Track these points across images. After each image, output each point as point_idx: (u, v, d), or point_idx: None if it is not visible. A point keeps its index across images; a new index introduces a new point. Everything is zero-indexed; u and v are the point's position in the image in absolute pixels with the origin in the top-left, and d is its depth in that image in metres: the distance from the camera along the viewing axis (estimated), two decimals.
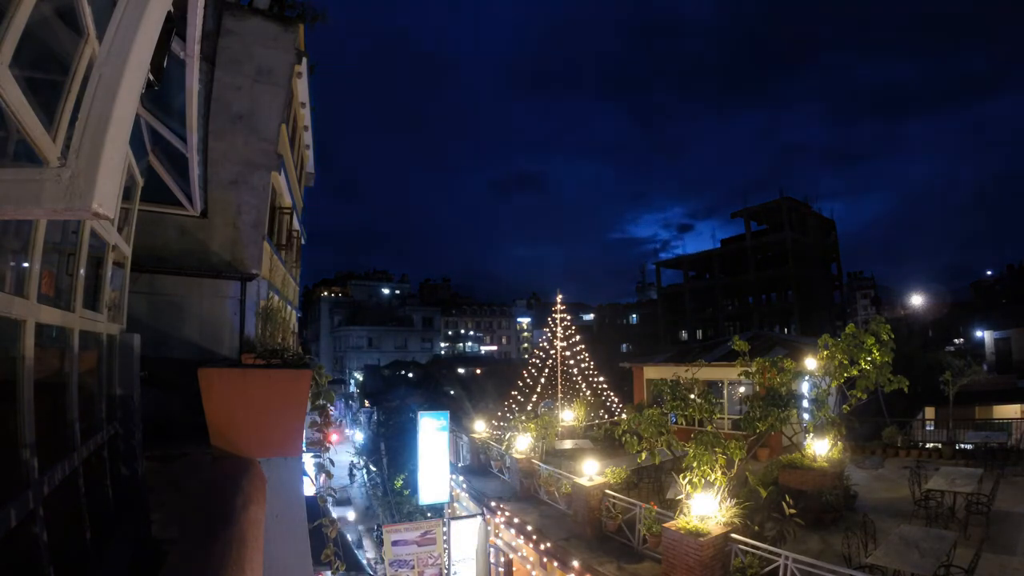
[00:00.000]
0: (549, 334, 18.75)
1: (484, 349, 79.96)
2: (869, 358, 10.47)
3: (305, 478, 5.20)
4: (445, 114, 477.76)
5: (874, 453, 14.69)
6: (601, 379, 19.31)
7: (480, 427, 16.25)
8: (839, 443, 11.18)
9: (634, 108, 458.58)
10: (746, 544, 7.04)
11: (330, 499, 4.34)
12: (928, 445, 15.18)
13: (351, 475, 30.29)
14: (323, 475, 4.33)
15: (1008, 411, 20.69)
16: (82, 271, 3.37)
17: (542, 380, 18.41)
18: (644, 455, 9.79)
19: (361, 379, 49.85)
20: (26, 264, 2.52)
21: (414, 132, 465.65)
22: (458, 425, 17.70)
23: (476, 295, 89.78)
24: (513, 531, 10.85)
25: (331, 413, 4.35)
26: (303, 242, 16.89)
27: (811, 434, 11.27)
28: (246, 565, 2.10)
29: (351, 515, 24.34)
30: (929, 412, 21.60)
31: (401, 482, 21.65)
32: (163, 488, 4.85)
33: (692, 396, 10.27)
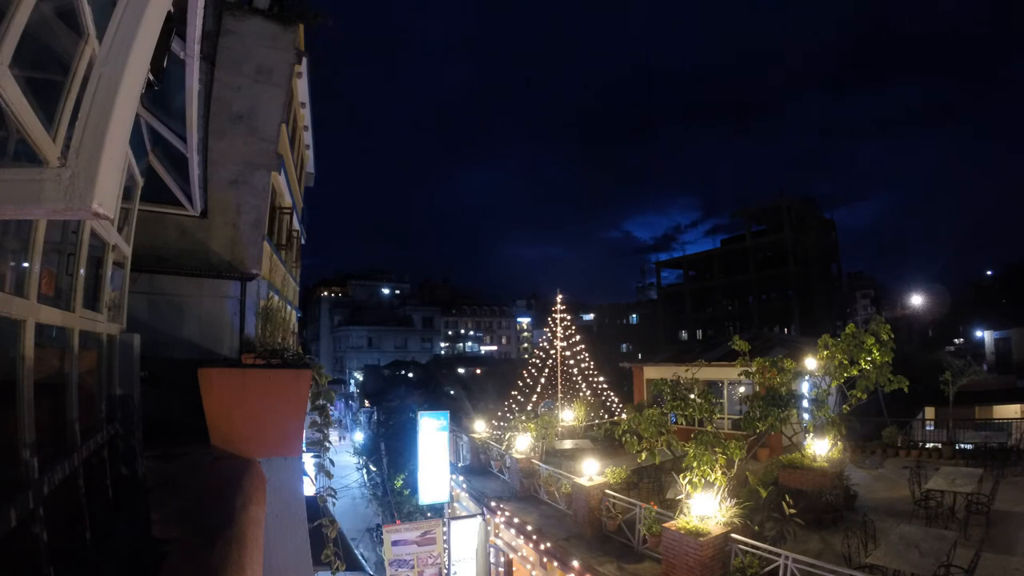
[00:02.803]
0: (549, 334, 18.75)
1: (484, 349, 79.86)
2: (869, 358, 10.49)
3: (305, 478, 5.20)
4: (453, 117, 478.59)
5: (874, 453, 14.68)
6: (601, 379, 19.31)
7: (480, 427, 16.25)
8: (839, 443, 11.19)
9: (637, 135, 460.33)
10: (746, 544, 7.04)
11: (331, 500, 4.33)
12: (928, 445, 15.17)
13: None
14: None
15: (1008, 411, 20.70)
16: (82, 271, 3.37)
17: (542, 380, 18.41)
18: (644, 455, 9.79)
19: (361, 379, 49.77)
20: (26, 264, 2.52)
21: (415, 132, 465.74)
22: (458, 425, 17.69)
23: (476, 295, 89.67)
24: (513, 531, 10.85)
25: (331, 413, 4.34)
26: (303, 242, 16.91)
27: (811, 434, 11.28)
28: (246, 565, 2.10)
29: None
30: (929, 412, 21.60)
31: (401, 482, 21.65)
32: (163, 488, 4.84)
33: (692, 396, 10.28)
